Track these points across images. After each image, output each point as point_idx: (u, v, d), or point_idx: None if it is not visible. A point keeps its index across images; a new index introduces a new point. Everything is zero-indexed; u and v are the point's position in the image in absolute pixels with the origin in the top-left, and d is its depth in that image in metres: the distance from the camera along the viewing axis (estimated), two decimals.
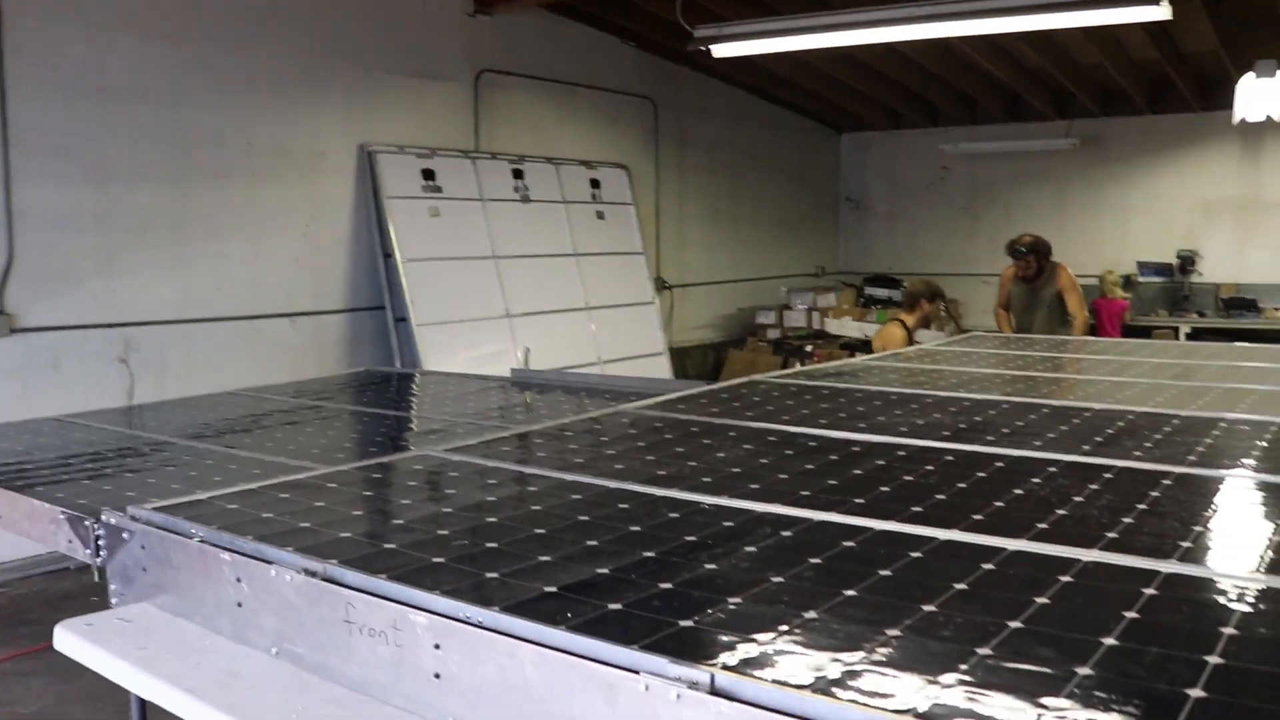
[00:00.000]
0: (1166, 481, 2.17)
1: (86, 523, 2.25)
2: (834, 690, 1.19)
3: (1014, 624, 1.38)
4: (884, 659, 1.28)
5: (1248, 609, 1.44)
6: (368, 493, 2.31)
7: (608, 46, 9.84)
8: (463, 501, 2.14)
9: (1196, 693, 1.16)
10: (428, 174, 7.97)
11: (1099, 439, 2.63)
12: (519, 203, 8.63)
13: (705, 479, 2.24)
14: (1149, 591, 1.50)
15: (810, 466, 2.37)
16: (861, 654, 1.29)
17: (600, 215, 9.37)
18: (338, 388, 4.84)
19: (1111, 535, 1.78)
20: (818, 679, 1.21)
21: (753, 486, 2.17)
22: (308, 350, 7.41)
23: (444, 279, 7.82)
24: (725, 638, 1.35)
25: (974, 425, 2.86)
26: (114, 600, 2.03)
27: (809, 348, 10.80)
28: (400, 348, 7.70)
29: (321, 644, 1.63)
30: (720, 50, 7.53)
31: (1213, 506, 2.02)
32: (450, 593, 1.52)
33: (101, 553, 2.10)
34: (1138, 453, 2.45)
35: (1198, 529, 1.84)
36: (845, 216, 13.81)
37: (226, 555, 1.79)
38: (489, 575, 1.62)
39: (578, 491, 2.16)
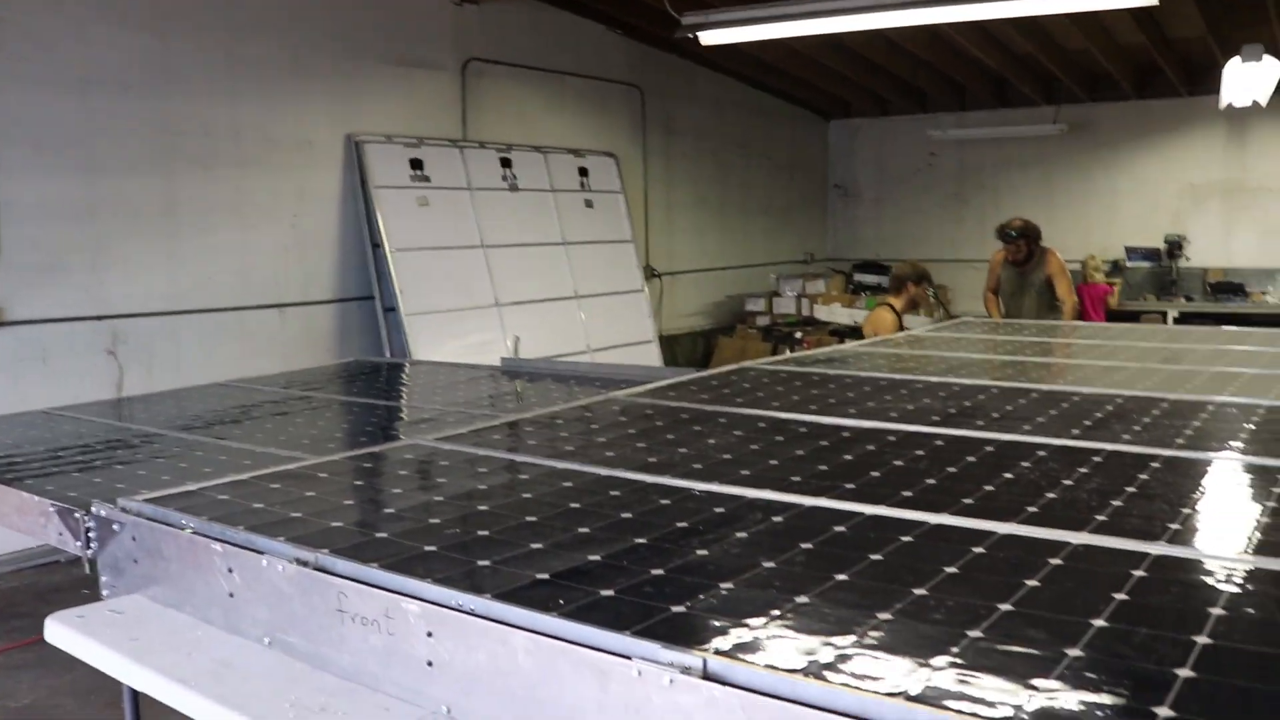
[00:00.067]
0: (1155, 464, 2.18)
1: (77, 515, 2.24)
2: (826, 674, 1.19)
3: (1004, 606, 1.39)
4: (875, 642, 1.29)
5: (1235, 589, 1.45)
6: (359, 482, 2.31)
7: (595, 34, 9.81)
8: (454, 490, 2.14)
9: (1185, 672, 1.17)
10: (415, 163, 7.95)
11: (1088, 423, 2.64)
12: (507, 192, 8.61)
13: (696, 465, 2.25)
14: (1138, 573, 1.51)
15: (801, 452, 2.37)
16: (853, 638, 1.30)
17: (589, 204, 9.36)
18: (327, 378, 4.83)
19: (1101, 518, 1.79)
20: (810, 663, 1.22)
21: (743, 472, 2.17)
22: (297, 341, 7.40)
23: (433, 268, 7.80)
24: (717, 623, 1.35)
25: (963, 410, 2.86)
26: (105, 592, 2.03)
27: (798, 334, 10.82)
28: (389, 338, 7.69)
29: (314, 633, 1.63)
30: (708, 37, 7.51)
31: (1201, 489, 2.03)
32: (442, 581, 1.53)
33: (92, 545, 2.09)
34: (1126, 436, 2.46)
35: (1186, 511, 1.85)
36: (834, 203, 13.81)
37: (218, 546, 1.79)
38: (481, 563, 1.62)
39: (569, 479, 2.16)
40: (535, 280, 8.61)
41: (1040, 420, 2.69)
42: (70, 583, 5.51)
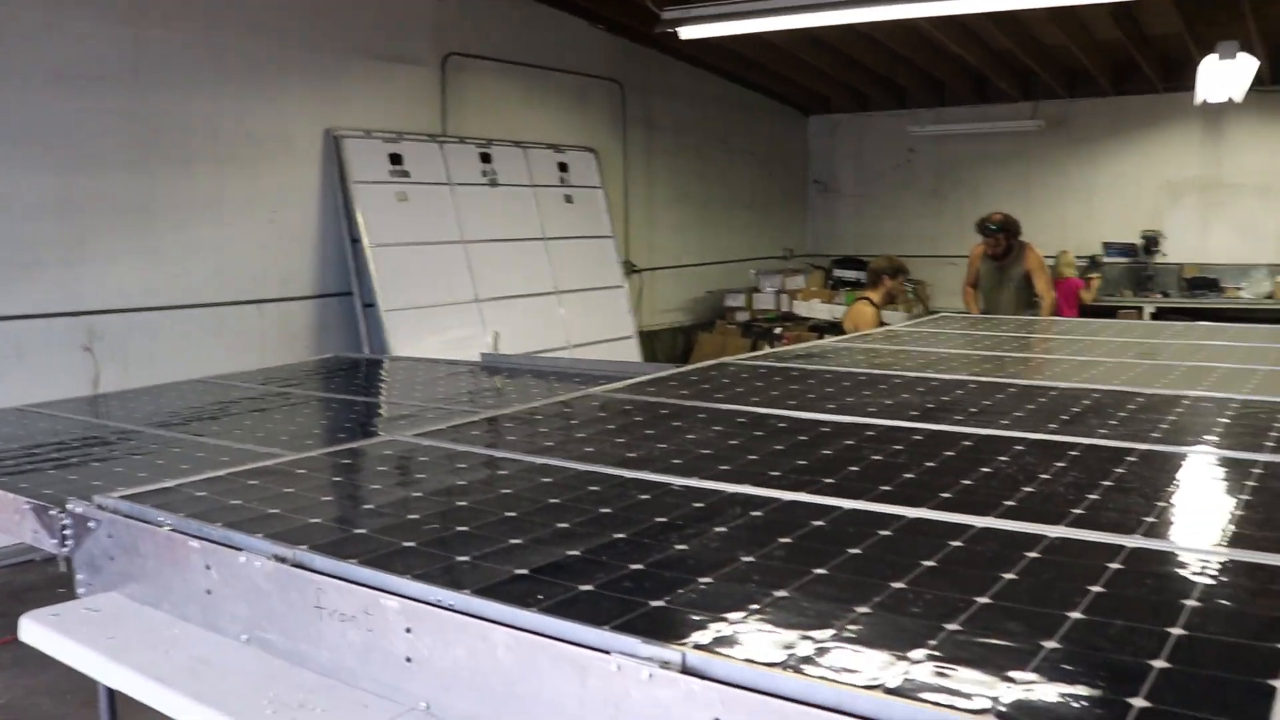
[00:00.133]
0: (1131, 458, 2.19)
1: (52, 512, 2.22)
2: (804, 667, 1.19)
3: (982, 600, 1.40)
4: (854, 636, 1.29)
5: (1209, 581, 1.46)
6: (337, 478, 2.30)
7: (575, 29, 9.79)
8: (433, 486, 2.13)
9: (1160, 663, 1.18)
10: (395, 158, 7.92)
11: (1065, 417, 2.66)
12: (487, 187, 8.59)
13: (675, 461, 2.25)
14: (1114, 566, 1.52)
15: (779, 447, 2.38)
16: (832, 631, 1.30)
17: (569, 199, 9.34)
18: (306, 374, 4.81)
19: (1077, 511, 1.80)
20: (789, 656, 1.22)
21: (723, 467, 2.17)
22: (275, 337, 7.36)
23: (412, 264, 7.77)
24: (696, 617, 1.35)
25: (942, 405, 2.88)
26: (81, 590, 2.02)
27: (778, 330, 10.84)
28: (368, 333, 7.66)
29: (292, 630, 1.62)
30: (687, 32, 7.52)
31: (1176, 482, 2.05)
32: (421, 576, 1.52)
33: (68, 543, 2.08)
34: (1103, 430, 2.48)
35: (1161, 504, 1.86)
36: (813, 199, 13.84)
37: (195, 543, 1.78)
38: (460, 559, 1.62)
39: (548, 474, 2.16)
40: (515, 276, 8.59)
41: (1018, 415, 2.70)
42: (46, 581, 5.46)
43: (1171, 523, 1.78)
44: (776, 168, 13.19)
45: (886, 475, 2.08)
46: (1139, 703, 1.09)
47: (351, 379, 4.68)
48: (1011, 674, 1.17)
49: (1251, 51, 8.09)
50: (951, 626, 1.31)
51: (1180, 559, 1.57)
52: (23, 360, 6.04)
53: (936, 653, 1.23)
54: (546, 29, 9.53)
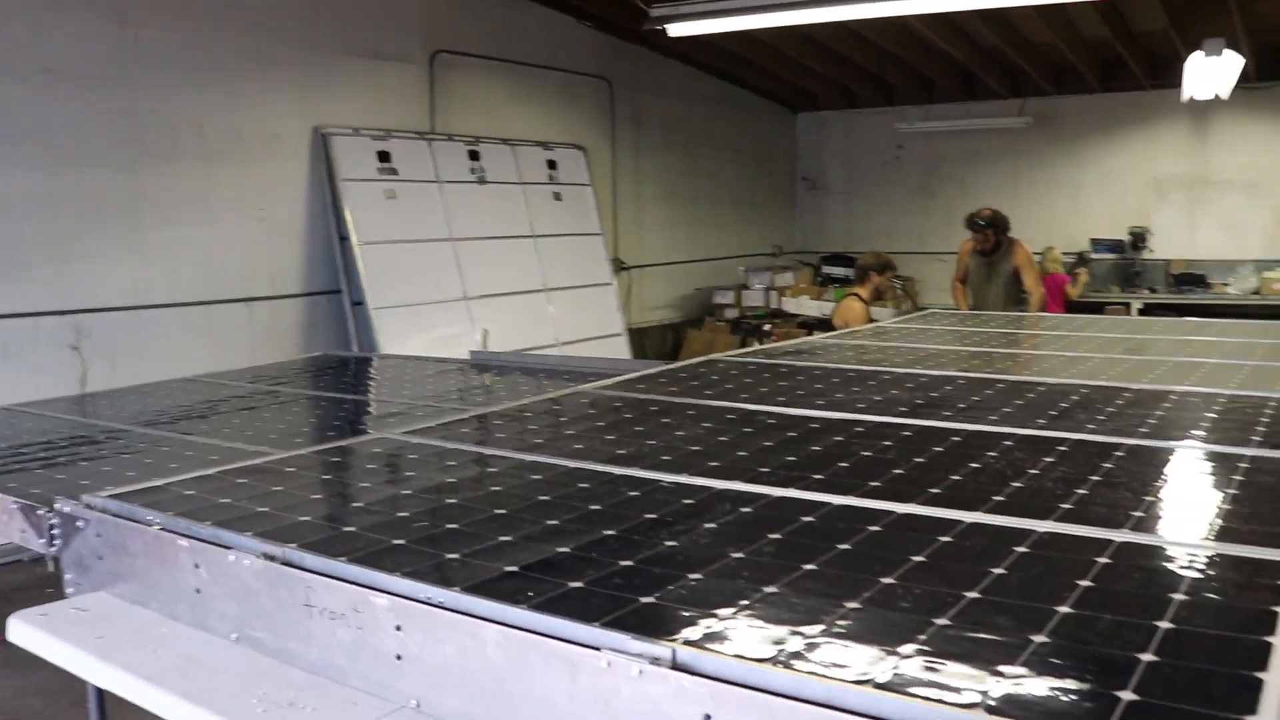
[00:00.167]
0: (1119, 453, 2.20)
1: (40, 512, 2.21)
2: (794, 663, 1.20)
3: (971, 594, 1.40)
4: (843, 631, 1.29)
5: (1197, 575, 1.47)
6: (326, 476, 2.30)
7: (563, 26, 9.78)
8: (422, 484, 2.13)
9: (1148, 656, 1.19)
10: (383, 156, 7.90)
11: (1053, 413, 2.66)
12: (475, 184, 8.58)
13: (665, 457, 2.25)
14: (1102, 560, 1.53)
15: (769, 443, 2.38)
16: (821, 627, 1.30)
17: (557, 196, 9.34)
18: (295, 372, 4.80)
19: (1066, 506, 1.81)
20: (778, 652, 1.22)
21: (712, 464, 2.18)
22: (264, 335, 7.34)
23: (401, 262, 7.76)
24: (686, 613, 1.35)
25: (930, 401, 2.88)
26: (69, 590, 2.01)
27: (767, 327, 10.85)
28: (357, 331, 7.65)
29: (282, 628, 1.62)
30: (676, 29, 7.51)
31: (1164, 477, 2.05)
32: (411, 574, 1.52)
33: (56, 542, 2.07)
34: (1091, 426, 2.49)
35: (1149, 499, 1.87)
36: (802, 196, 13.85)
37: (184, 541, 1.78)
38: (449, 556, 1.61)
39: (538, 472, 2.16)
40: (504, 273, 8.58)
41: (1006, 410, 2.71)
42: (34, 581, 5.43)
43: (1159, 517, 1.79)
44: (765, 165, 13.20)
45: (876, 471, 2.09)
46: (1127, 696, 1.10)
47: (340, 377, 4.67)
48: (1001, 668, 1.17)
49: (1237, 49, 8.12)
50: (941, 621, 1.31)
51: (1168, 553, 1.58)
52: (9, 359, 6.02)
53: (926, 647, 1.23)
54: (535, 26, 9.52)
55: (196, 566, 1.75)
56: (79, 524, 1.99)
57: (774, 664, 1.19)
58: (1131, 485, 1.96)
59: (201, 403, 3.94)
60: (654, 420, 2.69)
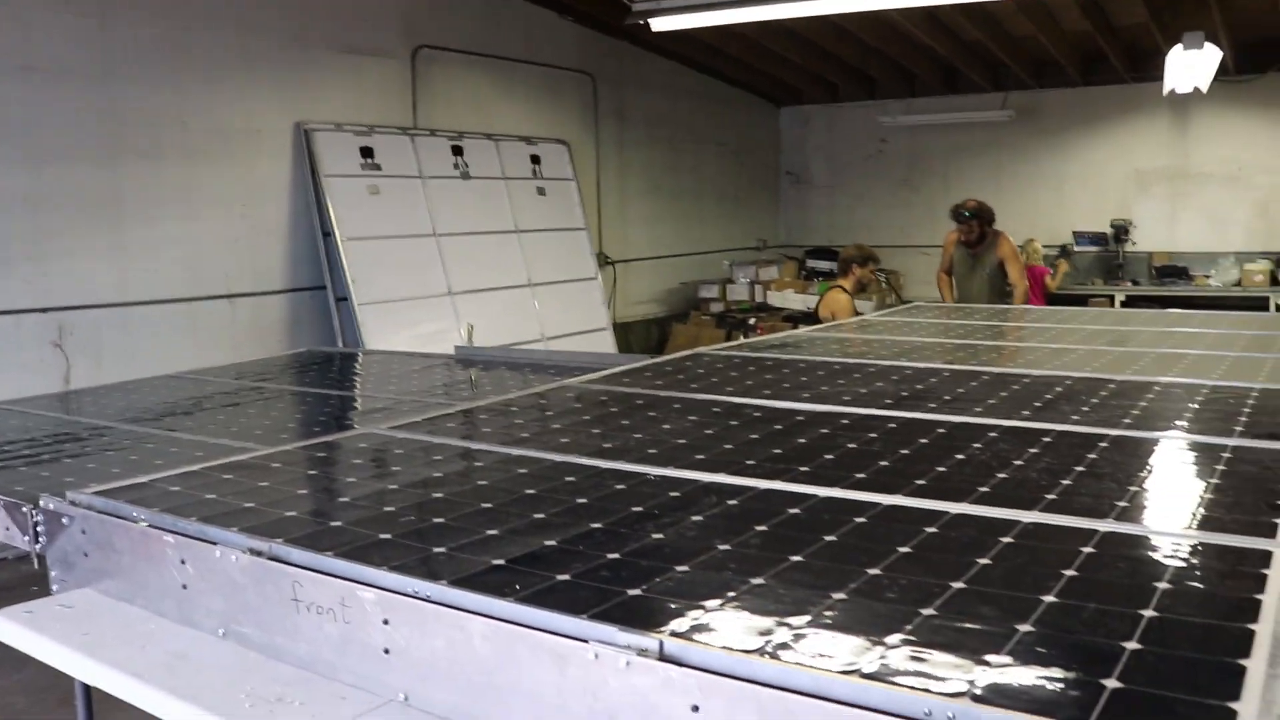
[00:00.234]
0: (1103, 444, 2.21)
1: (24, 509, 2.20)
2: (781, 653, 1.20)
3: (957, 584, 1.41)
4: (830, 622, 1.30)
5: (1180, 564, 1.48)
6: (312, 472, 2.29)
7: (546, 21, 9.76)
8: (408, 478, 2.13)
9: (1132, 645, 1.20)
10: (366, 151, 7.88)
11: (1038, 404, 2.68)
12: (459, 180, 8.56)
13: (651, 450, 2.25)
14: (1087, 550, 1.54)
15: (755, 436, 2.39)
16: (808, 617, 1.31)
17: (541, 191, 9.32)
18: (279, 369, 4.79)
19: (1051, 497, 1.82)
20: (765, 643, 1.23)
21: (698, 457, 2.18)
22: (248, 332, 7.32)
23: (385, 257, 7.74)
24: (673, 605, 1.36)
25: (915, 393, 2.89)
26: (54, 587, 2.00)
27: (752, 320, 10.85)
28: (342, 328, 7.63)
29: (268, 623, 1.62)
30: (659, 24, 7.51)
31: (1148, 467, 2.07)
32: (398, 568, 1.52)
33: (41, 539, 2.06)
34: (1075, 417, 2.50)
35: (1133, 489, 1.88)
36: (785, 190, 13.86)
37: (170, 537, 1.77)
38: (436, 550, 1.61)
39: (524, 466, 2.16)
40: (488, 268, 8.57)
41: (991, 402, 2.72)
42: (19, 579, 5.40)
43: (1143, 507, 1.80)
44: (749, 159, 13.20)
45: (861, 463, 2.10)
46: (1112, 684, 1.10)
47: (325, 373, 4.65)
48: (986, 657, 1.18)
49: (1216, 42, 8.17)
50: (927, 611, 1.32)
51: (1152, 542, 1.59)
52: None
53: (912, 637, 1.24)
54: (517, 21, 9.50)
55: (183, 562, 1.74)
56: (64, 521, 1.98)
57: (761, 655, 1.20)
58: (1115, 476, 1.97)
59: (186, 399, 3.93)
60: (640, 414, 2.69)
